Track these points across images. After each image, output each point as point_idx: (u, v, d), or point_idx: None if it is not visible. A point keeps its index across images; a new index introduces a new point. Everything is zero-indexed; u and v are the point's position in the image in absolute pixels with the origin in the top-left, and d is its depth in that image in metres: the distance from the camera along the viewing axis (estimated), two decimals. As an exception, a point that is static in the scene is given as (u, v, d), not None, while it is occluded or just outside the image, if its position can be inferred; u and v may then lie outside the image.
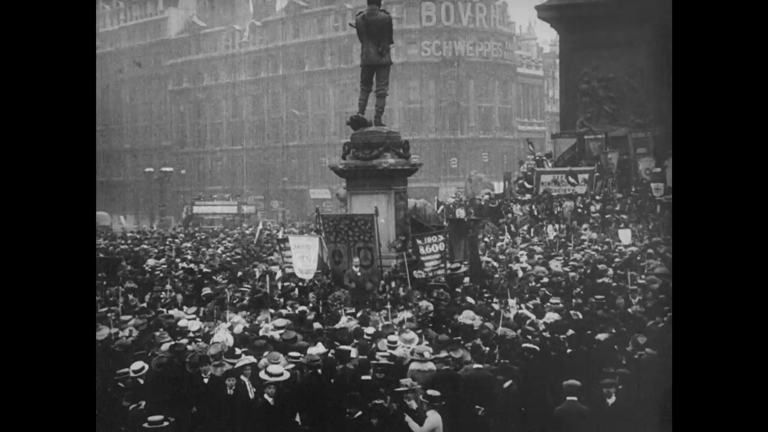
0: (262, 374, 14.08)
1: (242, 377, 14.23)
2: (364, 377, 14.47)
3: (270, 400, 13.78)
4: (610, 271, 23.62)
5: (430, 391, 13.51)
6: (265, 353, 15.19)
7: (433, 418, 13.20)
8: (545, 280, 22.42)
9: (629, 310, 18.79)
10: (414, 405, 13.39)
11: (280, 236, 30.49)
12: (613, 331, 16.85)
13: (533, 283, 22.11)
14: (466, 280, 22.91)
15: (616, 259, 25.86)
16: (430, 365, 15.00)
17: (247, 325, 17.99)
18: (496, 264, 25.92)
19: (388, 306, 19.16)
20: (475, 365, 14.75)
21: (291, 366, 14.77)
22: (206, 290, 22.07)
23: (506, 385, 14.26)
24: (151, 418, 12.66)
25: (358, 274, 22.37)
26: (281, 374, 14.05)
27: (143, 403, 13.69)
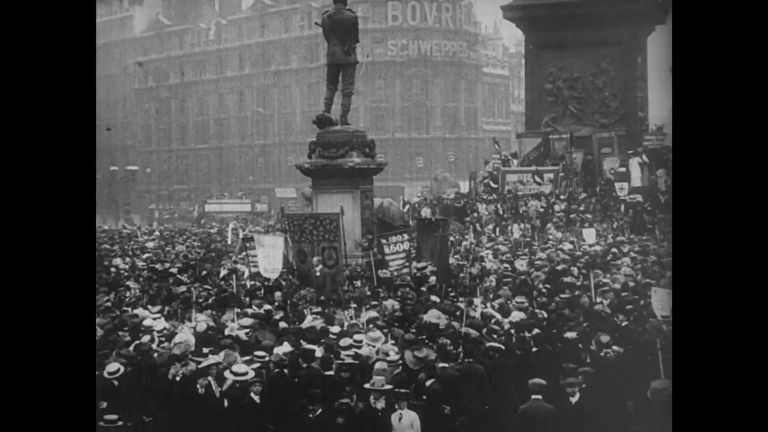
0: (226, 373, 14.05)
1: (208, 377, 14.19)
2: (327, 373, 14.48)
3: (256, 398, 13.78)
4: (575, 271, 23.70)
5: (398, 390, 13.59)
6: (221, 353, 15.18)
7: (410, 415, 13.29)
8: (510, 279, 22.46)
9: (594, 308, 18.84)
10: (381, 404, 13.42)
11: (241, 236, 30.41)
12: (586, 325, 16.96)
13: (498, 282, 22.14)
14: (432, 279, 22.92)
15: (581, 259, 25.96)
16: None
17: (213, 324, 17.92)
18: (461, 263, 25.96)
19: (354, 305, 19.15)
20: (441, 364, 14.78)
21: (256, 365, 14.76)
22: (179, 289, 21.93)
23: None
24: (107, 417, 12.60)
25: (317, 273, 22.35)
26: (246, 373, 14.01)
27: (104, 403, 13.59)
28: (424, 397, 14.09)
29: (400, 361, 15.14)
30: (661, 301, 17.05)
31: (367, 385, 13.69)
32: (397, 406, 13.39)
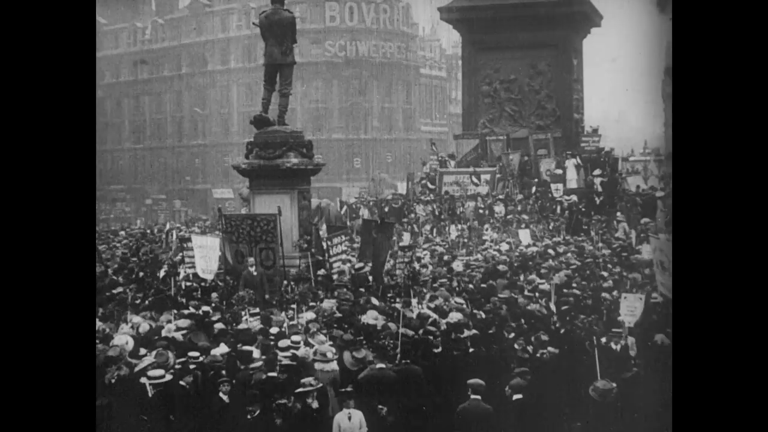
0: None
1: (143, 379, 14.10)
2: (270, 374, 14.47)
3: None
4: (510, 271, 23.83)
5: (346, 389, 13.66)
6: (153, 353, 15.09)
7: (358, 414, 13.38)
8: (446, 279, 22.53)
9: (528, 308, 18.95)
10: (316, 404, 13.46)
11: (175, 236, 30.23)
12: (525, 325, 17.08)
13: (435, 283, 22.21)
14: (371, 278, 22.96)
15: (517, 259, 26.12)
16: (333, 365, 15.07)
17: (153, 325, 17.80)
18: (399, 264, 25.99)
19: (294, 306, 19.13)
20: (378, 365, 14.81)
21: (192, 366, 14.71)
22: (115, 290, 21.69)
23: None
24: None
25: (254, 273, 22.26)
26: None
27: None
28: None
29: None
30: (630, 308, 17.22)
31: (299, 390, 13.71)
32: (345, 406, 13.47)
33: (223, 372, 14.53)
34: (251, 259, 22.56)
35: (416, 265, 25.06)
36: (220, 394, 13.80)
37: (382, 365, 14.82)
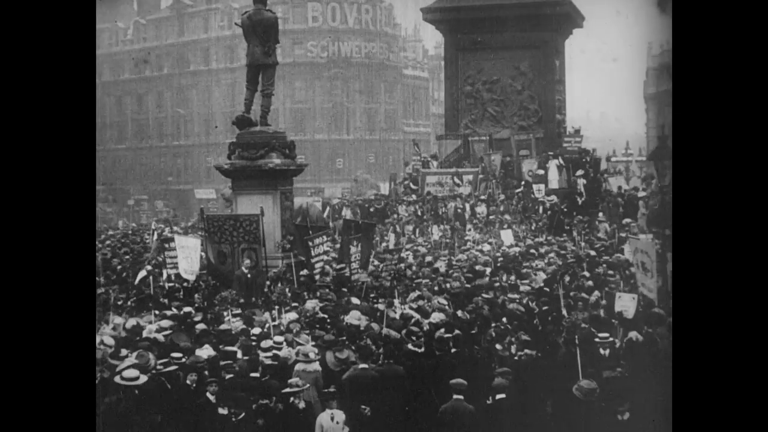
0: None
1: (117, 378, 14.06)
2: (253, 374, 14.48)
3: (212, 398, 13.69)
4: (491, 271, 23.86)
5: (329, 389, 13.68)
6: (133, 353, 15.05)
7: (340, 414, 13.40)
8: (429, 280, 22.54)
9: (510, 307, 18.97)
10: (302, 405, 13.49)
11: (155, 237, 30.16)
12: (505, 325, 17.09)
13: (418, 284, 22.21)
14: (356, 277, 22.97)
15: (499, 260, 26.15)
16: (316, 365, 15.08)
17: (135, 324, 17.76)
18: (381, 264, 26.02)
19: (275, 307, 19.13)
20: (361, 365, 14.83)
21: (174, 367, 14.68)
22: (101, 290, 21.61)
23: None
24: None
25: (244, 274, 22.24)
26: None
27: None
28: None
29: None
30: (624, 306, 17.29)
31: (286, 390, 13.72)
32: (327, 407, 13.50)
33: (206, 372, 14.50)
34: (248, 261, 22.56)
35: (402, 266, 25.13)
36: (208, 395, 13.78)
37: (365, 365, 14.83)
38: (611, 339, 15.86)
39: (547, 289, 20.52)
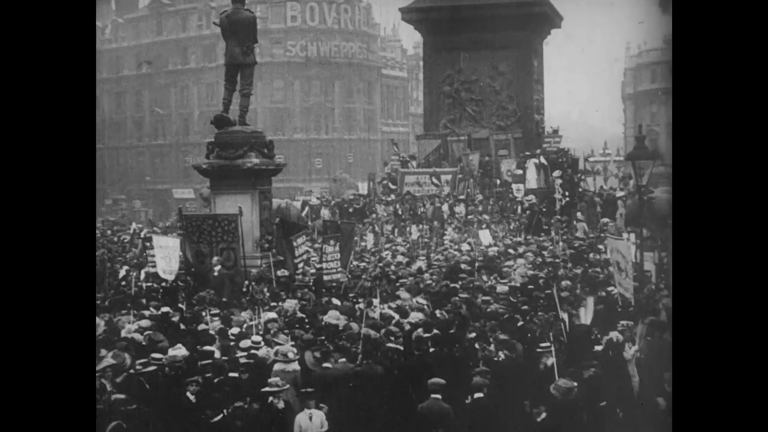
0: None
1: (102, 380, 14.02)
2: (232, 374, 14.46)
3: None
4: (469, 270, 23.90)
5: (307, 389, 13.70)
6: (110, 353, 15.02)
7: (319, 414, 13.41)
8: (408, 280, 22.56)
9: (489, 309, 18.99)
10: (281, 405, 13.48)
11: (139, 237, 30.11)
12: (485, 324, 17.10)
13: (397, 283, 22.24)
14: (335, 276, 22.98)
15: (477, 260, 26.18)
16: (295, 365, 15.08)
17: (108, 320, 17.74)
18: (360, 264, 26.04)
19: (256, 306, 19.11)
20: (340, 364, 14.87)
21: (153, 368, 14.66)
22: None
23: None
24: None
25: (215, 274, 22.23)
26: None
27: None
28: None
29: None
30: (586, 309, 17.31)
31: (265, 389, 13.71)
32: (305, 407, 13.51)
33: (180, 372, 14.49)
34: (216, 259, 22.53)
35: (378, 266, 25.15)
36: (188, 394, 13.75)
37: (344, 365, 14.86)
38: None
39: (532, 287, 20.61)
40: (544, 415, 13.02)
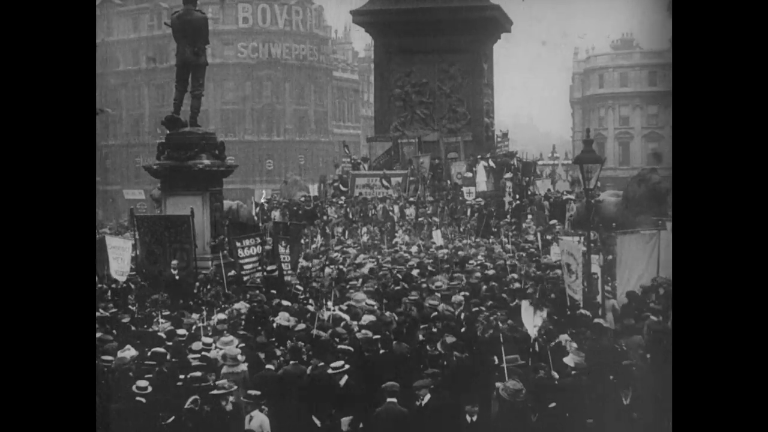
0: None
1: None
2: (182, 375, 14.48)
3: (143, 400, 13.65)
4: (418, 272, 24.01)
5: (251, 391, 13.69)
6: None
7: (259, 417, 13.41)
8: (358, 282, 22.64)
9: (438, 310, 19.06)
10: (229, 407, 13.48)
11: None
12: (434, 328, 17.21)
13: (353, 285, 22.29)
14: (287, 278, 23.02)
15: (428, 261, 26.29)
16: (243, 367, 15.12)
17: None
18: (311, 265, 26.07)
19: (205, 308, 19.11)
20: (291, 367, 14.93)
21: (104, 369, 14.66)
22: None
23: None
24: None
25: (176, 277, 22.19)
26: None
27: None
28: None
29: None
30: (526, 316, 17.37)
31: (214, 392, 13.71)
32: (251, 408, 13.52)
33: (130, 374, 14.49)
34: (175, 262, 22.46)
35: (329, 268, 25.17)
36: (138, 398, 13.73)
37: (296, 367, 14.93)
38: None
39: (485, 286, 20.79)
40: (476, 416, 13.17)
